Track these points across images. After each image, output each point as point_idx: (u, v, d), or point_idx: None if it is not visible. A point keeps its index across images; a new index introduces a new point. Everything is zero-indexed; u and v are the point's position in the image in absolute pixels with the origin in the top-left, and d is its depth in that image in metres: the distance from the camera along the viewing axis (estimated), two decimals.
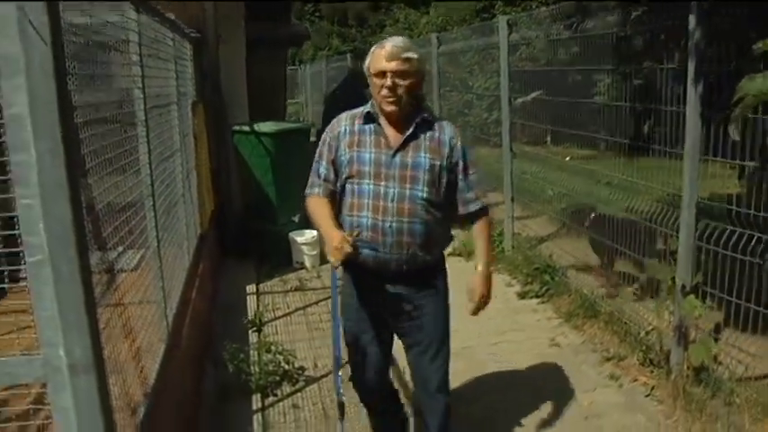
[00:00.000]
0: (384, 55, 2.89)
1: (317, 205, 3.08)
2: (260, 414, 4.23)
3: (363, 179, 2.99)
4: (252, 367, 4.65)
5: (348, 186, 3.03)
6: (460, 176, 3.08)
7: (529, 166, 7.27)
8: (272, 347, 4.85)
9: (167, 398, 3.10)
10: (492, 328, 5.31)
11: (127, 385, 2.34)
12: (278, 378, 4.56)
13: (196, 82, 6.47)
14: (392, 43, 2.93)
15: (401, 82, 2.89)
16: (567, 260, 6.40)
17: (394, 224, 2.95)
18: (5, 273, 1.73)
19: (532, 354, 5.01)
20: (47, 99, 1.36)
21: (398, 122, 3.00)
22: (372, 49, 3.00)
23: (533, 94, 6.93)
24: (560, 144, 6.99)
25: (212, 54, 7.29)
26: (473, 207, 3.13)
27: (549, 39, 6.54)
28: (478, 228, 3.19)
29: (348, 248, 2.78)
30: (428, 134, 3.02)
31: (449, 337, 3.28)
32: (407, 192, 2.96)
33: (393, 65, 2.87)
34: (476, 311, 3.16)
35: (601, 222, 5.70)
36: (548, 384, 4.54)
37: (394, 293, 3.11)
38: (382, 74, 2.89)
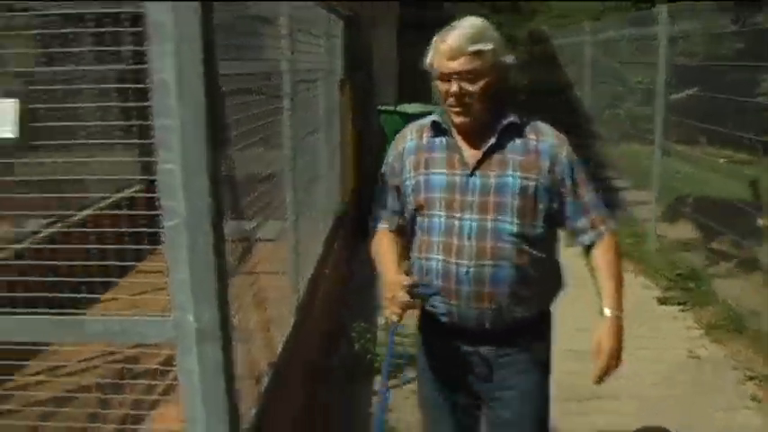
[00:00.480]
0: (446, 51, 2.14)
1: (380, 243, 2.44)
2: None
3: (433, 210, 2.27)
4: (377, 348, 4.67)
5: (418, 219, 2.33)
6: (568, 199, 2.28)
7: (680, 166, 6.92)
8: (399, 331, 4.85)
9: (294, 370, 3.15)
10: (627, 332, 5.06)
11: (253, 354, 2.38)
12: (402, 362, 4.55)
13: (345, 61, 6.54)
14: (458, 32, 2.15)
15: (470, 87, 2.15)
16: (715, 268, 6.05)
17: (471, 269, 2.21)
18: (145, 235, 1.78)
19: (669, 363, 4.76)
20: (193, 69, 1.39)
21: (474, 133, 2.26)
22: (434, 39, 2.22)
23: (688, 91, 6.61)
24: (714, 145, 6.62)
25: (364, 35, 7.36)
26: (589, 238, 2.33)
27: (711, 32, 6.20)
28: (599, 257, 2.33)
29: (404, 297, 2.18)
30: (518, 143, 2.25)
31: (548, 420, 2.51)
32: (490, 224, 2.21)
33: (457, 64, 2.13)
34: (600, 377, 2.29)
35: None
36: (683, 398, 4.29)
37: (474, 357, 2.40)
38: (445, 77, 2.17)
